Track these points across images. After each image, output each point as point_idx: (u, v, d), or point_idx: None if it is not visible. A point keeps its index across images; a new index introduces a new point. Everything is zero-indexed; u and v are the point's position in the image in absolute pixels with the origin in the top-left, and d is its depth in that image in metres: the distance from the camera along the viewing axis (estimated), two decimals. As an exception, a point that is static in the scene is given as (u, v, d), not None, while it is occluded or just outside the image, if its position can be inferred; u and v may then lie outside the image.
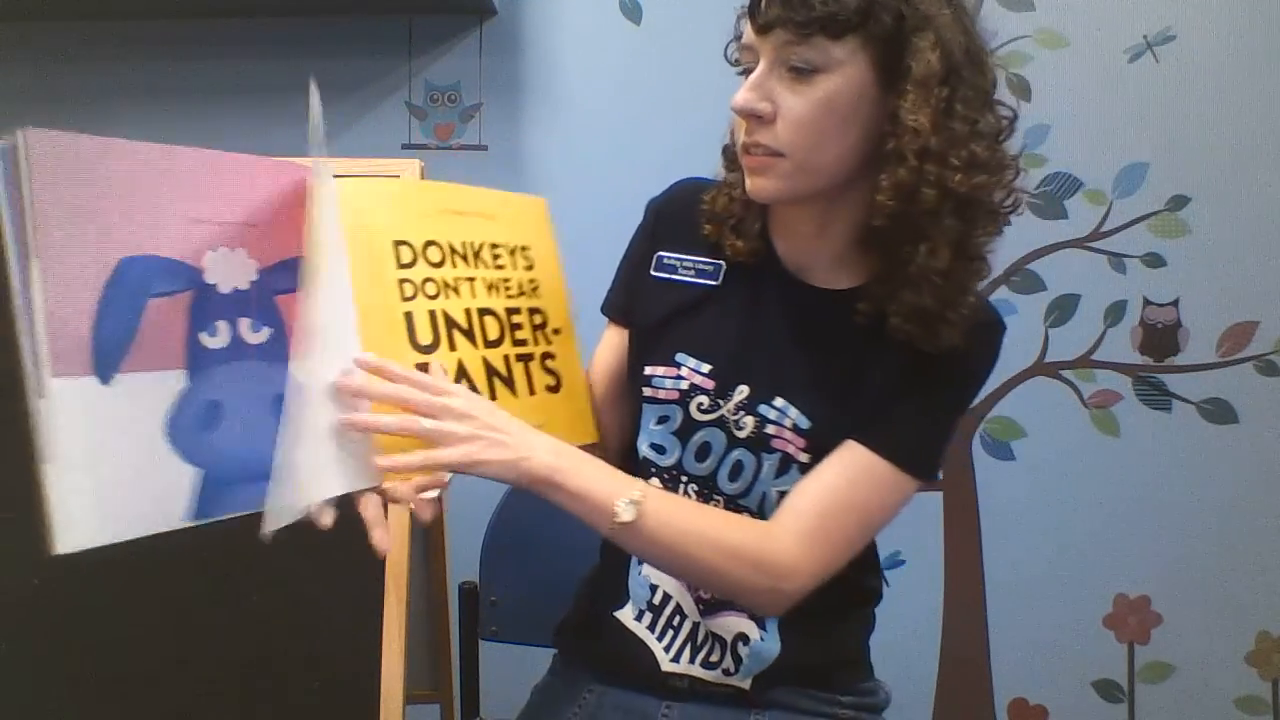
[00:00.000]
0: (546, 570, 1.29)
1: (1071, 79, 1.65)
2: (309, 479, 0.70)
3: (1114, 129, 1.65)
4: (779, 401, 0.87)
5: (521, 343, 0.88)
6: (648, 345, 0.94)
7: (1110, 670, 1.75)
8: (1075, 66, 1.65)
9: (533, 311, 0.91)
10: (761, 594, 0.84)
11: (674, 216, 0.97)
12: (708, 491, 0.91)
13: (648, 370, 0.93)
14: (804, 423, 0.86)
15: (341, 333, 0.74)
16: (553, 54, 1.74)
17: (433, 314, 0.81)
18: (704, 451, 0.91)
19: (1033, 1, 1.65)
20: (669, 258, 0.95)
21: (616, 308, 1.01)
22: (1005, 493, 1.72)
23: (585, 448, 0.88)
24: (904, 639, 1.72)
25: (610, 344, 1.02)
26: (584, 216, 1.74)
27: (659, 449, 0.93)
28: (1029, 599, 1.73)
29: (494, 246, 0.89)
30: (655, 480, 0.93)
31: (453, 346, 0.82)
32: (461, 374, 0.82)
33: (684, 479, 0.92)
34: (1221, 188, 1.66)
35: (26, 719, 0.97)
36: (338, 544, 1.06)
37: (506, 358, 0.86)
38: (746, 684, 0.92)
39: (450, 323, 0.82)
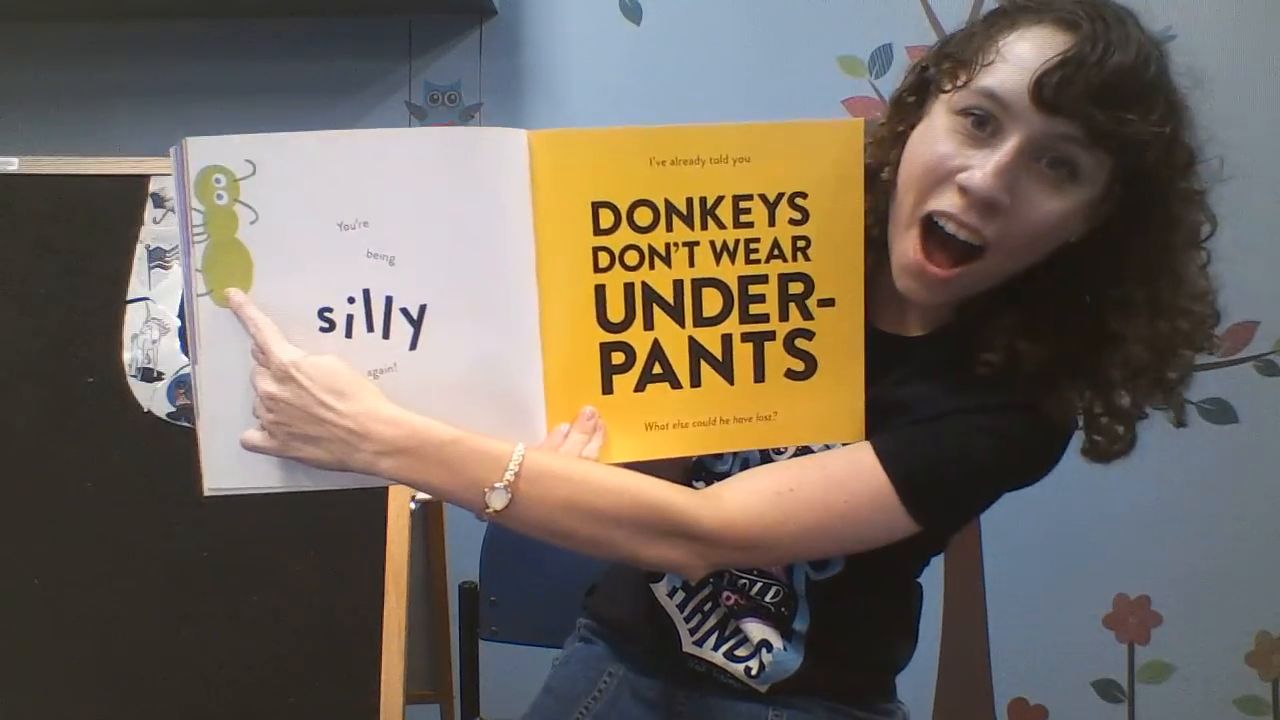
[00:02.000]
0: (546, 570, 1.29)
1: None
2: None
3: (1114, 129, 1.65)
4: None
5: (758, 319, 0.75)
6: None
7: (1110, 670, 1.74)
8: (1075, 66, 1.65)
9: (788, 279, 0.75)
10: (672, 563, 0.75)
11: None
12: None
13: None
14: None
15: (512, 313, 0.72)
16: (553, 54, 1.74)
17: (629, 286, 0.72)
18: (747, 467, 0.87)
19: (1033, 1, 1.65)
20: None
21: None
22: (1005, 493, 1.72)
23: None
24: (904, 639, 1.72)
25: None
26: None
27: (717, 454, 0.88)
28: (1029, 599, 1.73)
29: (740, 200, 0.73)
30: (700, 484, 0.89)
31: (649, 325, 0.73)
32: (656, 357, 0.73)
33: None
34: (1221, 187, 1.65)
35: (26, 719, 0.97)
36: (338, 544, 1.06)
37: (727, 337, 0.75)
38: (764, 689, 0.91)
39: (651, 296, 0.73)
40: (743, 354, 0.75)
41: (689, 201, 0.73)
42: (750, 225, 0.74)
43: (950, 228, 0.70)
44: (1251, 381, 1.67)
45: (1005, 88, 0.68)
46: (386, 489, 1.05)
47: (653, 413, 0.74)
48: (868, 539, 0.76)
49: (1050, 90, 0.66)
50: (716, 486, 0.77)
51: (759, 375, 0.76)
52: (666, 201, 0.73)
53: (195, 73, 1.77)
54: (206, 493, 0.70)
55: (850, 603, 0.89)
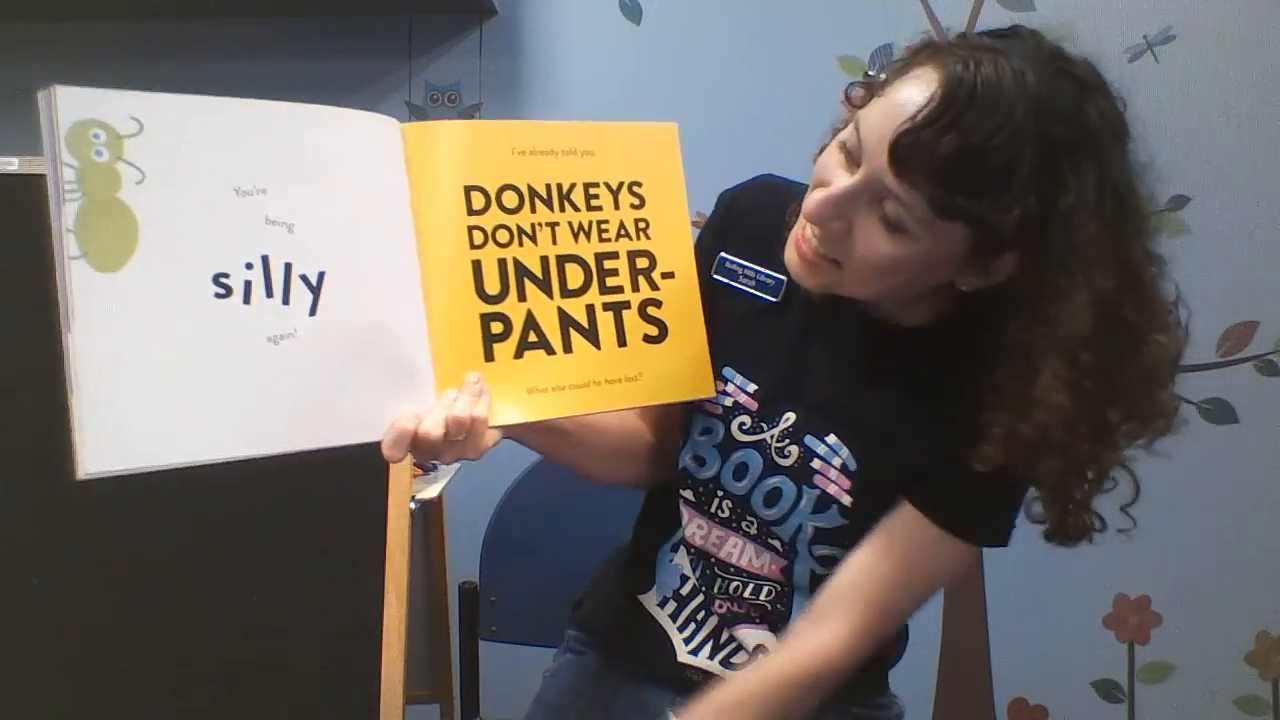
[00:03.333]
0: (546, 570, 1.29)
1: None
2: (329, 421, 0.70)
3: (1114, 129, 1.65)
4: (832, 439, 0.84)
5: (614, 290, 0.83)
6: None
7: (1110, 670, 1.75)
8: (1075, 66, 1.65)
9: (635, 255, 0.84)
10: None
11: (746, 216, 0.92)
12: (741, 510, 0.89)
13: None
14: (853, 464, 0.83)
15: (398, 285, 0.74)
16: (553, 54, 1.74)
17: (502, 262, 0.78)
18: (741, 471, 0.88)
19: (1033, 1, 1.65)
20: (731, 262, 0.91)
21: None
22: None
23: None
24: (904, 639, 1.72)
25: None
26: (584, 216, 1.75)
27: (700, 460, 0.90)
28: (1029, 599, 1.73)
29: (590, 186, 0.83)
30: (689, 493, 0.91)
31: (522, 297, 0.79)
32: (531, 325, 0.79)
33: (719, 494, 0.90)
34: (1221, 188, 1.66)
35: (26, 719, 0.97)
36: (338, 544, 1.06)
37: (590, 307, 0.82)
38: None
39: (522, 271, 0.79)
40: (605, 321, 0.82)
41: (548, 187, 0.81)
42: (600, 209, 0.83)
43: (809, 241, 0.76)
44: (1251, 381, 1.67)
45: (866, 127, 0.70)
46: (386, 491, 1.05)
47: (532, 377, 0.78)
48: (948, 578, 0.87)
49: (901, 152, 0.67)
50: (820, 613, 0.84)
51: (621, 340, 0.82)
52: (529, 186, 0.80)
53: (195, 72, 1.77)
54: (81, 475, 0.64)
55: None
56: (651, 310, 0.84)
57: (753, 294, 0.89)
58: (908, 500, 0.83)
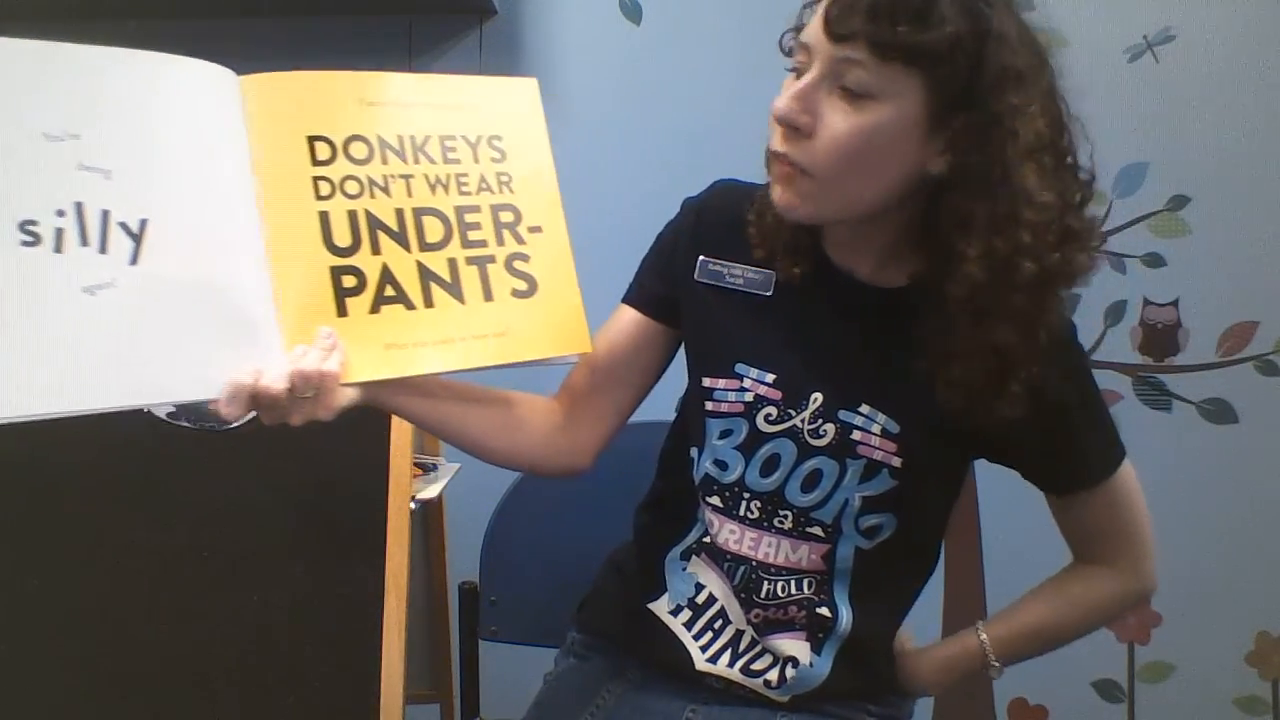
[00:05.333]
0: (546, 570, 1.29)
1: (1071, 79, 1.64)
2: (156, 376, 0.66)
3: (1114, 129, 1.65)
4: (865, 408, 0.85)
5: (477, 244, 0.81)
6: (703, 356, 0.92)
7: (1110, 670, 1.75)
8: (1075, 66, 1.64)
9: (499, 209, 0.83)
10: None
11: (715, 222, 0.92)
12: (772, 508, 0.89)
13: (707, 383, 0.90)
14: (893, 427, 0.85)
15: (237, 236, 0.71)
16: (553, 54, 1.74)
17: (353, 214, 0.75)
18: (772, 464, 0.88)
19: (1033, 1, 1.65)
20: (715, 264, 0.91)
21: (649, 299, 0.96)
22: (1005, 492, 1.72)
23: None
24: (904, 639, 1.72)
25: (624, 330, 0.96)
26: (584, 216, 1.73)
27: (722, 465, 0.90)
28: (1029, 599, 1.73)
29: (446, 139, 0.81)
30: (715, 499, 0.91)
31: (376, 250, 0.76)
32: (387, 280, 0.76)
33: (746, 495, 0.89)
34: (1221, 188, 1.66)
35: (26, 719, 0.97)
36: (338, 544, 1.06)
37: (452, 261, 0.79)
38: (785, 699, 0.91)
39: (375, 223, 0.76)
40: (469, 276, 0.79)
41: (400, 139, 0.79)
42: (458, 162, 0.81)
43: (781, 158, 0.78)
44: (1251, 381, 1.67)
45: (807, 33, 0.76)
46: (386, 491, 1.05)
47: (391, 333, 0.75)
48: (1139, 493, 0.93)
49: (834, 20, 0.72)
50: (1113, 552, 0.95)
51: (487, 295, 0.80)
52: (379, 137, 0.78)
53: (195, 73, 1.77)
54: None
55: (888, 575, 0.91)
56: (519, 265, 0.82)
57: (745, 291, 0.90)
58: (1055, 497, 0.92)
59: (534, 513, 1.33)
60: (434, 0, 1.69)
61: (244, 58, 1.90)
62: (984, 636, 0.95)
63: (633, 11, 1.72)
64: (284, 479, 1.06)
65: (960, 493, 0.95)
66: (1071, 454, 0.87)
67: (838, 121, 0.74)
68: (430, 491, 1.32)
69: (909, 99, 0.73)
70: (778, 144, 0.78)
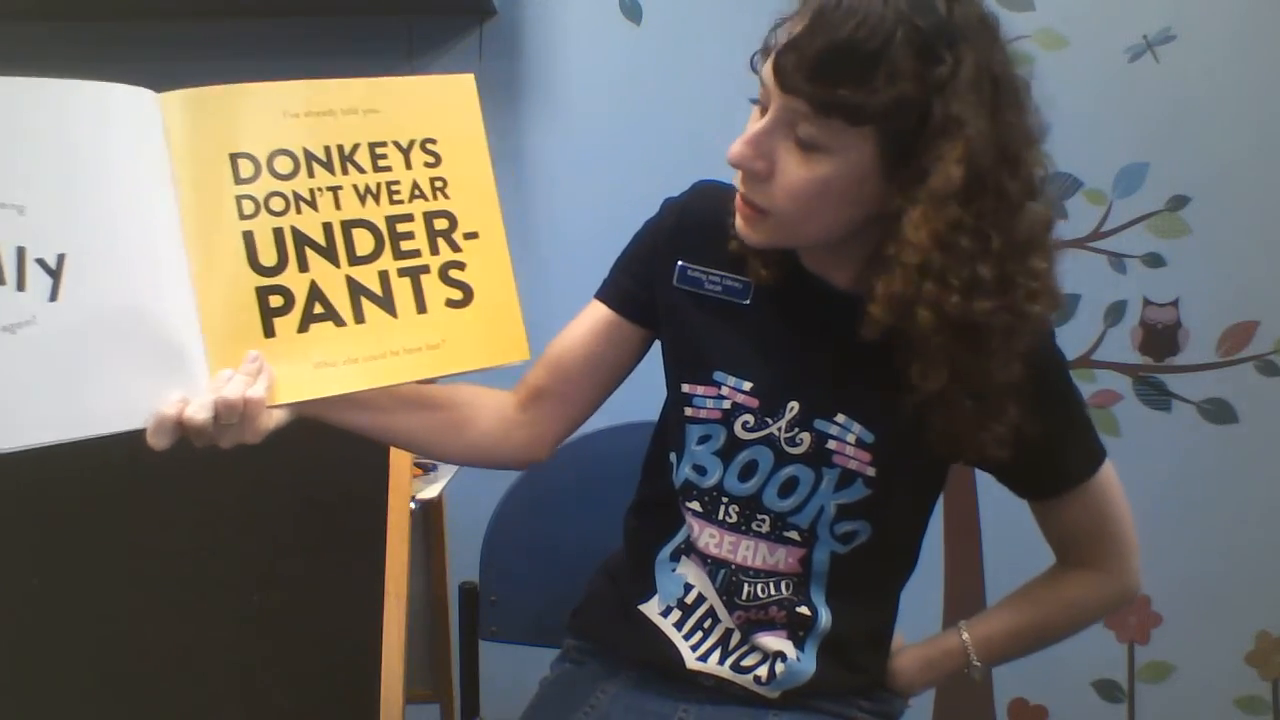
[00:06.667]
0: (546, 570, 1.29)
1: (1071, 79, 1.65)
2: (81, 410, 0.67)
3: (1114, 129, 1.65)
4: (840, 418, 0.85)
5: (410, 254, 0.79)
6: (681, 362, 0.92)
7: (1110, 670, 1.75)
8: (1075, 66, 1.65)
9: (432, 216, 0.80)
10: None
11: (696, 226, 0.92)
12: (750, 512, 0.89)
13: (686, 389, 0.90)
14: (868, 437, 0.85)
15: (159, 263, 0.70)
16: (553, 54, 1.74)
17: (278, 231, 0.74)
18: (749, 470, 0.89)
19: (1033, 1, 1.65)
20: (694, 270, 0.91)
21: (623, 298, 0.95)
22: (1005, 492, 1.72)
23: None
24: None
25: (594, 327, 0.95)
26: (584, 216, 1.74)
27: (700, 470, 0.91)
28: (1029, 599, 1.73)
29: (377, 145, 0.79)
30: (695, 504, 0.91)
31: (304, 267, 0.74)
32: (315, 297, 0.74)
33: (724, 500, 0.90)
34: (1221, 188, 1.66)
35: (26, 719, 0.97)
36: (338, 544, 1.06)
37: (384, 274, 0.77)
38: (775, 695, 0.92)
39: (302, 239, 0.74)
40: (402, 288, 0.78)
41: (327, 149, 0.76)
42: (389, 169, 0.79)
43: (744, 198, 0.80)
44: (1251, 381, 1.67)
45: (765, 71, 0.76)
46: (386, 491, 1.05)
47: (321, 351, 0.74)
48: (1122, 495, 0.93)
49: (779, 71, 0.73)
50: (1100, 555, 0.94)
51: (421, 307, 0.78)
52: (305, 150, 0.75)
53: (195, 73, 1.76)
54: None
55: (865, 577, 0.91)
56: (454, 273, 0.80)
57: (723, 299, 0.90)
58: (1034, 502, 0.94)
59: (534, 512, 1.33)
60: (434, 0, 1.69)
61: (244, 58, 1.90)
62: (965, 636, 0.96)
63: (633, 11, 1.72)
64: (284, 479, 1.06)
65: (939, 496, 0.96)
66: (1051, 460, 0.88)
67: (792, 169, 0.75)
68: (430, 491, 1.32)
69: (861, 151, 0.73)
70: (738, 183, 0.80)
